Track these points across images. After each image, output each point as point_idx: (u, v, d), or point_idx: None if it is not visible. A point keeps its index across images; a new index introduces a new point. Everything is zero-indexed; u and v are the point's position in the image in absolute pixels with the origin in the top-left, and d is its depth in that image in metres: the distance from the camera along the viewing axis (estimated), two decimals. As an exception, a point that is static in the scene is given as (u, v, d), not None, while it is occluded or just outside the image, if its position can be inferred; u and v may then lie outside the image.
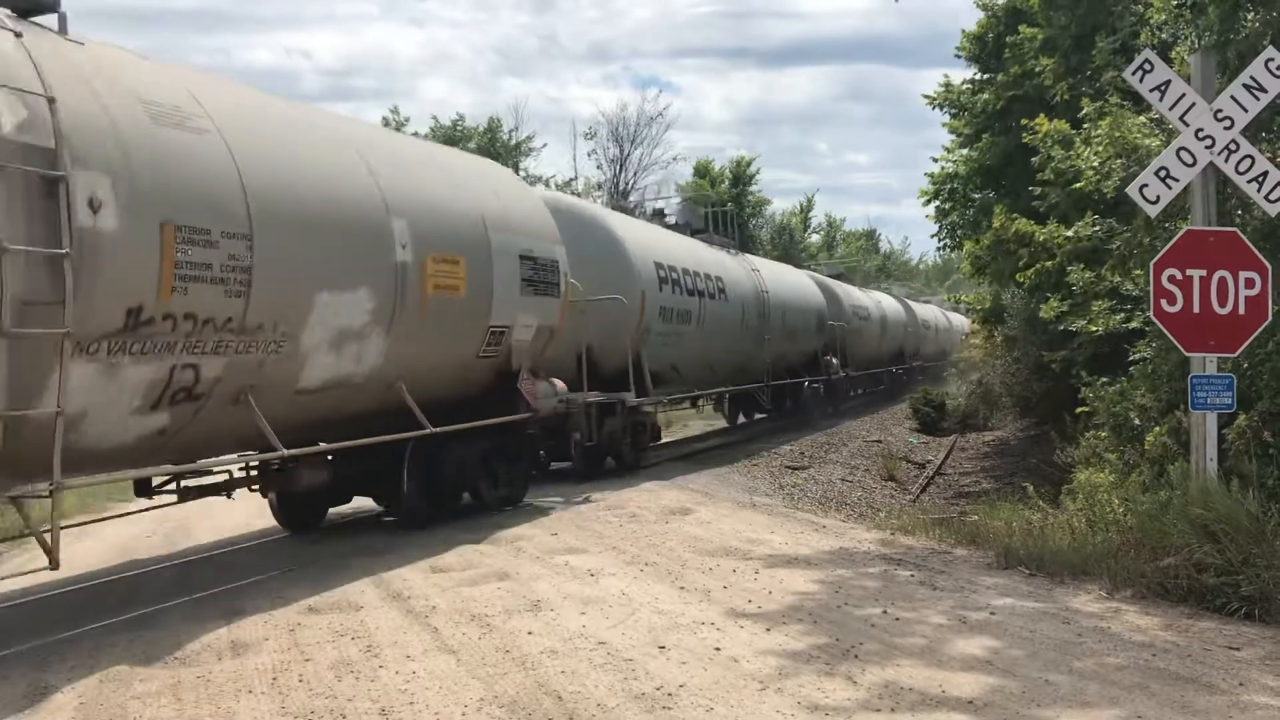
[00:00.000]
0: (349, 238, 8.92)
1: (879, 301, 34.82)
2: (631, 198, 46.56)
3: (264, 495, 10.67)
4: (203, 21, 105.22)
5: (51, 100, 6.41)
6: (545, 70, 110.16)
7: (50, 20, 7.12)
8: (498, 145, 43.06)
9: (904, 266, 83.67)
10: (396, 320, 9.39)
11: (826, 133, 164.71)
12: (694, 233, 20.63)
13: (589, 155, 79.16)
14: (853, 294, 31.25)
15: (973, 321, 29.00)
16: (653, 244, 16.44)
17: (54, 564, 6.52)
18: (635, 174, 49.24)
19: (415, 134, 40.96)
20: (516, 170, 38.65)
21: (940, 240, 23.99)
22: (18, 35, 6.60)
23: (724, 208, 24.57)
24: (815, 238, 68.72)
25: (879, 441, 23.25)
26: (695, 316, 17.29)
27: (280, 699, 5.42)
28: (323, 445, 9.46)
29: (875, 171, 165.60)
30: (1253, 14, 9.67)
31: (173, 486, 9.10)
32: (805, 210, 66.60)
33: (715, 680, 5.53)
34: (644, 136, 49.26)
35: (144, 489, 9.00)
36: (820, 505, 14.18)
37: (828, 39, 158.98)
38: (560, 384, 12.55)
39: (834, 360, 26.48)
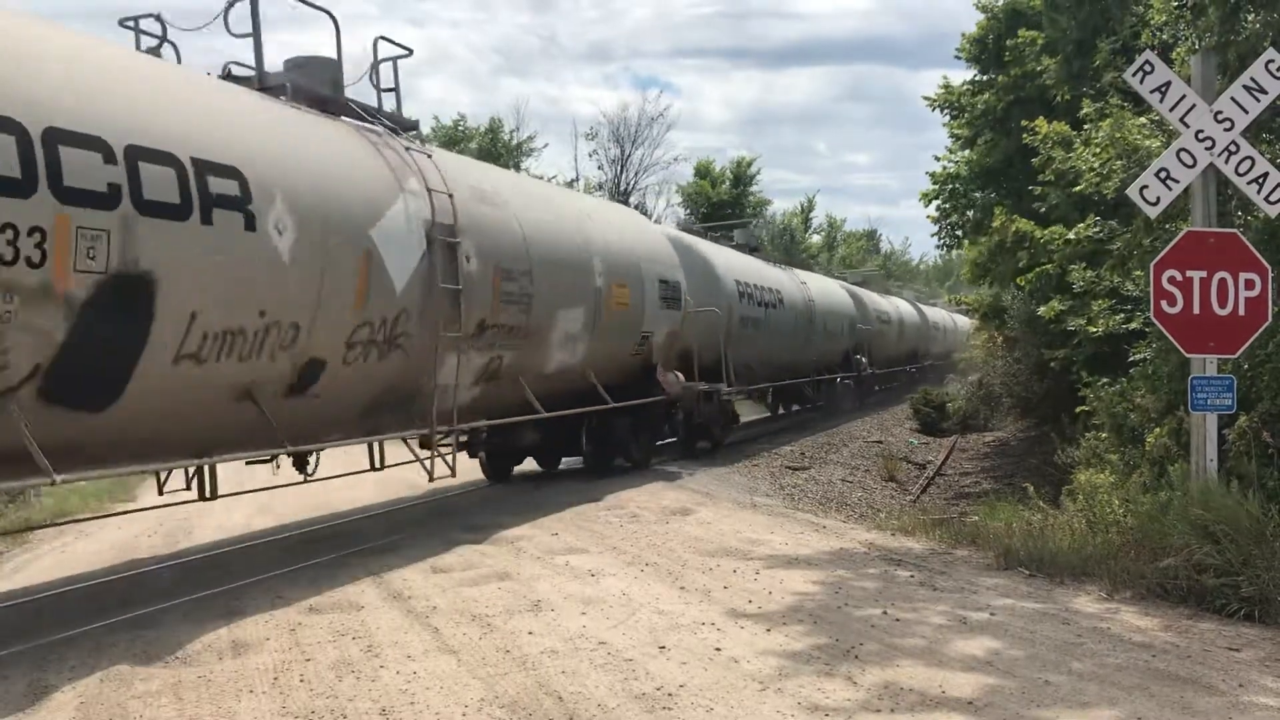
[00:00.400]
0: (574, 272, 12.72)
1: (897, 306, 38.10)
2: (633, 199, 46.62)
3: (472, 455, 13.88)
4: (198, 22, 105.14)
5: (450, 195, 10.22)
6: (545, 70, 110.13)
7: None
8: (499, 146, 43.02)
9: (904, 267, 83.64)
10: (595, 327, 13.16)
11: (826, 133, 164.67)
12: (751, 250, 24.16)
13: (590, 155, 78.96)
14: (876, 300, 34.52)
15: (974, 322, 29.13)
16: (733, 265, 20.35)
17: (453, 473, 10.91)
18: (636, 174, 49.25)
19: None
20: (517, 170, 38.70)
21: (941, 241, 23.98)
22: (410, 149, 10.31)
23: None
24: (816, 238, 68.73)
25: (879, 442, 23.25)
26: (763, 324, 21.07)
27: (281, 699, 5.43)
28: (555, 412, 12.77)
29: (875, 172, 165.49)
30: (1253, 15, 9.67)
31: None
32: (806, 211, 66.64)
33: (715, 680, 5.54)
34: (645, 137, 49.23)
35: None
36: (820, 506, 14.18)
37: (827, 39, 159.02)
38: (680, 375, 15.72)
39: (863, 359, 29.71)
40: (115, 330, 6.74)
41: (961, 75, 24.83)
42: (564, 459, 15.57)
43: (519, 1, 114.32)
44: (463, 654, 6.12)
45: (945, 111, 22.85)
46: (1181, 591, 7.04)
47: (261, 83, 9.23)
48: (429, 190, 9.95)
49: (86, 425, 6.89)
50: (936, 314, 45.49)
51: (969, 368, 31.10)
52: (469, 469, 13.63)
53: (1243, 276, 8.25)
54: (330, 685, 5.61)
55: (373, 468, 10.82)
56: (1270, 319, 8.30)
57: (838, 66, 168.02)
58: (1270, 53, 8.30)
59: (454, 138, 43.22)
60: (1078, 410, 13.07)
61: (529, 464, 15.22)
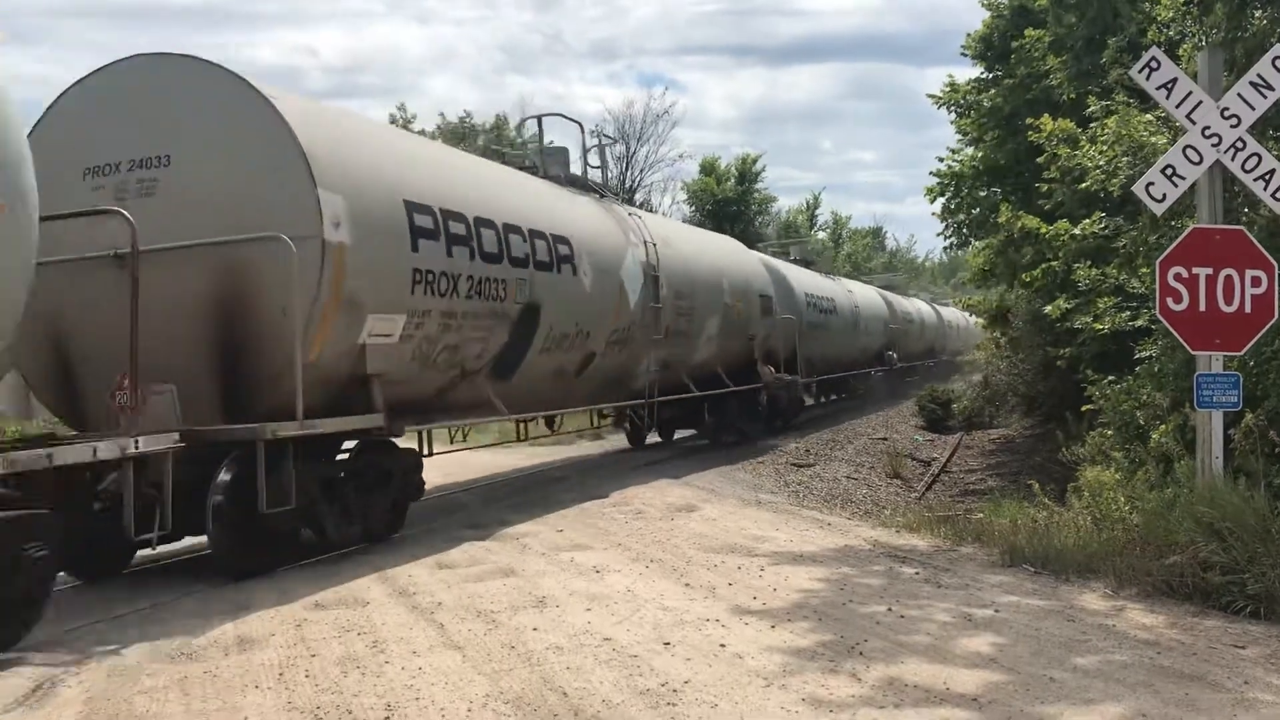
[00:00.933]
0: (712, 291, 17.38)
1: (919, 308, 42.96)
2: (638, 196, 46.59)
3: (618, 425, 19.80)
4: (206, 19, 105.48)
5: (654, 245, 15.08)
6: (549, 67, 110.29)
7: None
8: (504, 143, 43.04)
9: (910, 264, 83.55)
10: (722, 331, 17.81)
11: (831, 130, 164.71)
12: (807, 264, 28.54)
13: (589, 150, 78.91)
14: (902, 302, 39.16)
15: (979, 323, 29.22)
16: (802, 280, 25.03)
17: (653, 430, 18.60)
18: (641, 171, 49.25)
19: (422, 131, 41.92)
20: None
21: (946, 238, 23.94)
22: (631, 213, 15.55)
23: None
24: (821, 235, 68.66)
25: (884, 439, 23.23)
26: (824, 327, 25.60)
27: (287, 694, 5.44)
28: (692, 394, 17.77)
29: (880, 169, 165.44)
30: (1260, 11, 9.65)
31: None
32: (811, 208, 66.61)
33: (720, 677, 5.54)
34: (650, 134, 49.24)
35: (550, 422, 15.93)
36: (825, 503, 14.17)
37: (833, 36, 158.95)
38: (771, 368, 20.08)
39: (894, 355, 34.25)
40: (523, 335, 11.63)
41: (967, 73, 24.81)
42: (677, 431, 20.47)
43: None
44: (468, 650, 6.13)
45: (951, 110, 22.81)
46: (1187, 589, 7.02)
47: (544, 173, 14.11)
48: (644, 242, 14.98)
49: (504, 388, 11.71)
50: (949, 313, 48.62)
51: (974, 367, 31.23)
52: (592, 447, 19.86)
53: (1249, 273, 8.24)
54: (335, 681, 5.62)
55: (592, 425, 18.55)
56: (1276, 316, 8.28)
57: (843, 64, 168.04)
58: (1277, 49, 8.28)
59: (460, 134, 43.25)
60: (1083, 408, 13.05)
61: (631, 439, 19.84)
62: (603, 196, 15.31)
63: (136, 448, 7.22)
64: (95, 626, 7.00)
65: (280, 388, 8.39)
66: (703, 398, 17.97)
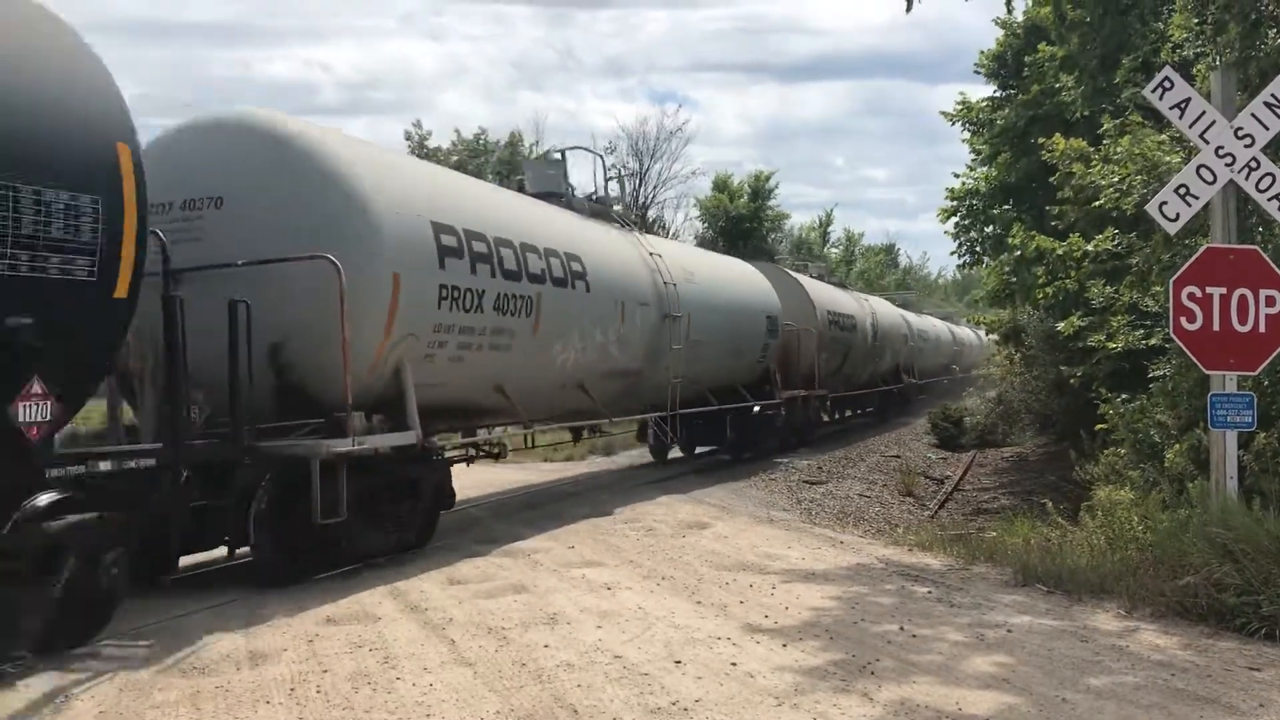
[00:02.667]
0: (724, 313, 17.85)
1: (934, 325, 43.53)
2: (651, 212, 46.66)
3: (641, 438, 19.87)
4: (222, 34, 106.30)
5: (673, 286, 15.77)
6: (561, 84, 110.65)
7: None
8: (519, 159, 43.18)
9: (923, 282, 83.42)
10: (736, 350, 18.62)
11: (843, 147, 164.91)
12: (834, 283, 29.36)
13: (608, 169, 78.99)
14: (918, 321, 39.35)
15: (992, 341, 29.29)
16: (824, 294, 24.74)
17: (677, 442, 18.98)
18: (655, 188, 49.30)
19: (438, 148, 42.35)
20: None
21: (960, 257, 23.97)
22: (641, 236, 16.68)
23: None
24: (834, 252, 68.63)
25: (897, 457, 23.19)
26: (847, 342, 25.27)
27: (298, 710, 5.45)
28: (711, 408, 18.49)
29: (892, 186, 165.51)
30: (1274, 31, 9.65)
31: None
32: (824, 225, 66.62)
33: (731, 695, 5.53)
34: (663, 151, 49.31)
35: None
36: (838, 520, 14.15)
37: (845, 54, 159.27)
38: (779, 383, 20.54)
39: (910, 376, 34.81)
40: None
41: (980, 91, 24.85)
42: (698, 447, 20.38)
43: (536, 15, 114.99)
44: (479, 666, 6.13)
45: (965, 127, 22.82)
46: (1201, 610, 6.98)
47: (568, 203, 14.67)
48: (651, 254, 15.81)
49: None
50: (964, 332, 49.29)
51: (987, 383, 31.20)
52: (604, 463, 20.19)
53: (1263, 293, 8.22)
54: (347, 696, 5.63)
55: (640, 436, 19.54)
56: (1291, 335, 8.24)
57: (855, 81, 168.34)
58: (1291, 69, 8.28)
59: (476, 150, 43.41)
60: (1096, 427, 13.01)
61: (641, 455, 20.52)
62: (624, 226, 16.40)
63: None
64: (107, 640, 7.01)
65: (333, 402, 8.97)
66: (724, 412, 18.72)
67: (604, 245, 14.41)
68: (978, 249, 23.09)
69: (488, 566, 9.21)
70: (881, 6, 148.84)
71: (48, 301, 6.32)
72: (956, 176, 23.46)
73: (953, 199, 22.94)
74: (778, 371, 20.43)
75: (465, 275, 10.49)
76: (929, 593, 8.01)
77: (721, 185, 50.29)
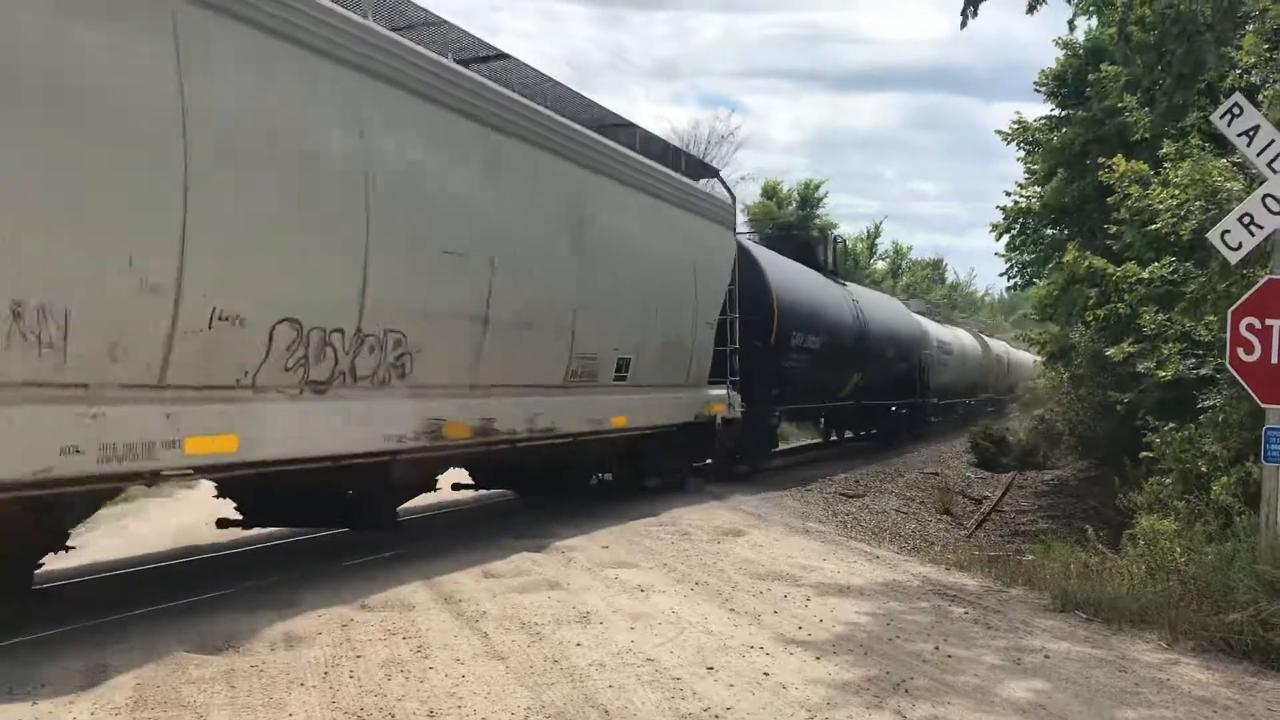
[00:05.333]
0: (902, 340, 25.45)
1: (1001, 345, 48.92)
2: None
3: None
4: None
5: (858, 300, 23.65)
6: (613, 84, 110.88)
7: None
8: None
9: (970, 298, 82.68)
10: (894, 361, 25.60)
11: (894, 159, 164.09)
12: (922, 312, 35.20)
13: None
14: (991, 344, 45.72)
15: (1038, 359, 29.31)
16: (933, 327, 33.28)
17: None
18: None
19: None
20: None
21: (1010, 279, 23.79)
22: (842, 280, 24.54)
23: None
24: (881, 265, 68.17)
25: (936, 474, 23.00)
26: (946, 364, 33.14)
27: (331, 693, 5.48)
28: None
29: (942, 201, 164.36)
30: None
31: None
32: (872, 236, 66.20)
33: (763, 705, 5.50)
34: (714, 155, 49.21)
35: None
36: (874, 535, 14.04)
37: (899, 66, 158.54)
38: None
39: (988, 392, 42.65)
40: None
41: (1036, 110, 24.66)
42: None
43: (589, 15, 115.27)
44: (511, 660, 6.14)
45: (1020, 145, 22.61)
46: (1246, 647, 6.84)
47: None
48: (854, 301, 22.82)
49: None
50: (1021, 355, 48.54)
51: (1033, 400, 31.07)
52: None
53: (1324, 328, 8.05)
54: (379, 683, 5.66)
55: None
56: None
57: (908, 94, 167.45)
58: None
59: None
60: (1141, 454, 12.82)
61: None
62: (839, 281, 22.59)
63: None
64: (147, 614, 7.10)
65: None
66: (877, 408, 26.28)
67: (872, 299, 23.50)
68: (1027, 270, 22.89)
69: (522, 562, 9.23)
70: (937, 20, 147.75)
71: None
72: (1008, 195, 23.27)
73: (1006, 217, 22.74)
74: (917, 379, 28.31)
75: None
76: (965, 613, 7.93)
77: (770, 192, 50.14)
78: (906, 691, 5.83)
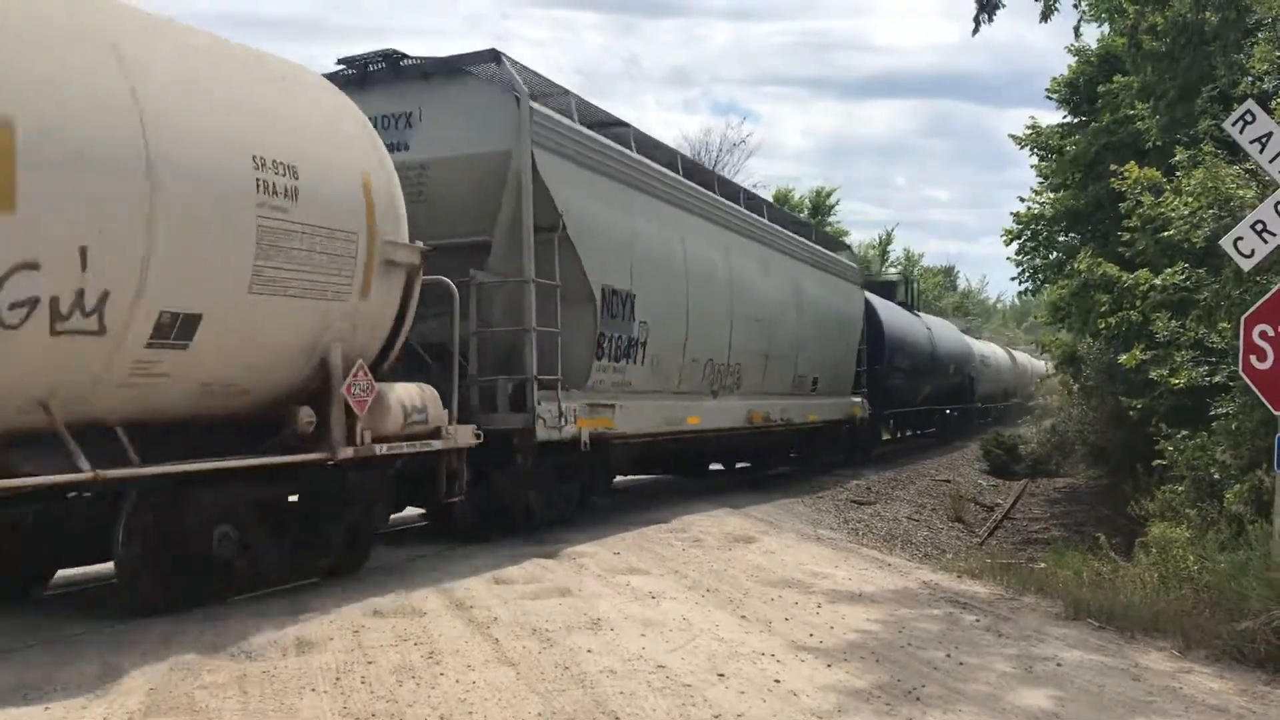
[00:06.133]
0: (957, 356, 30.68)
1: (1024, 356, 53.03)
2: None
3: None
4: (293, 29, 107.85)
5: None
6: (625, 91, 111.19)
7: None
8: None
9: (981, 305, 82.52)
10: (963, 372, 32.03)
11: (905, 166, 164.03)
12: (965, 330, 40.53)
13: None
14: (1019, 357, 50.59)
15: (1049, 365, 29.40)
16: (975, 344, 37.38)
17: None
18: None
19: None
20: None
21: (1022, 284, 23.76)
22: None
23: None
24: (892, 271, 68.09)
25: (948, 481, 22.96)
26: (985, 375, 37.48)
27: (343, 699, 5.50)
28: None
29: (954, 208, 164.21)
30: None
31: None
32: (884, 244, 66.16)
33: (774, 712, 5.50)
34: (726, 163, 49.24)
35: None
36: (885, 542, 14.02)
37: (910, 73, 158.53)
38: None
39: (1016, 397, 46.71)
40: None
41: (1049, 116, 24.65)
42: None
43: (601, 23, 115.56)
44: (521, 667, 6.15)
45: (1034, 152, 22.58)
46: (1259, 655, 6.82)
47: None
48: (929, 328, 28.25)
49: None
50: (1023, 357, 54.17)
51: (1044, 410, 31.12)
52: None
53: (1337, 335, 8.02)
54: (390, 689, 5.67)
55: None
56: (1365, 380, 8.05)
57: (919, 100, 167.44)
58: (1377, 107, 8.09)
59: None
60: (1153, 462, 12.78)
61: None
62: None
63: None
64: (157, 621, 7.12)
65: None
66: (936, 411, 32.17)
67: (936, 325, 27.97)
68: (1039, 276, 22.87)
69: (533, 568, 9.24)
70: (948, 27, 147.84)
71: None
72: (1022, 200, 23.25)
73: (1018, 223, 22.72)
74: (967, 387, 33.72)
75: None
76: (977, 621, 7.91)
77: (782, 199, 50.16)
78: (918, 699, 5.82)
